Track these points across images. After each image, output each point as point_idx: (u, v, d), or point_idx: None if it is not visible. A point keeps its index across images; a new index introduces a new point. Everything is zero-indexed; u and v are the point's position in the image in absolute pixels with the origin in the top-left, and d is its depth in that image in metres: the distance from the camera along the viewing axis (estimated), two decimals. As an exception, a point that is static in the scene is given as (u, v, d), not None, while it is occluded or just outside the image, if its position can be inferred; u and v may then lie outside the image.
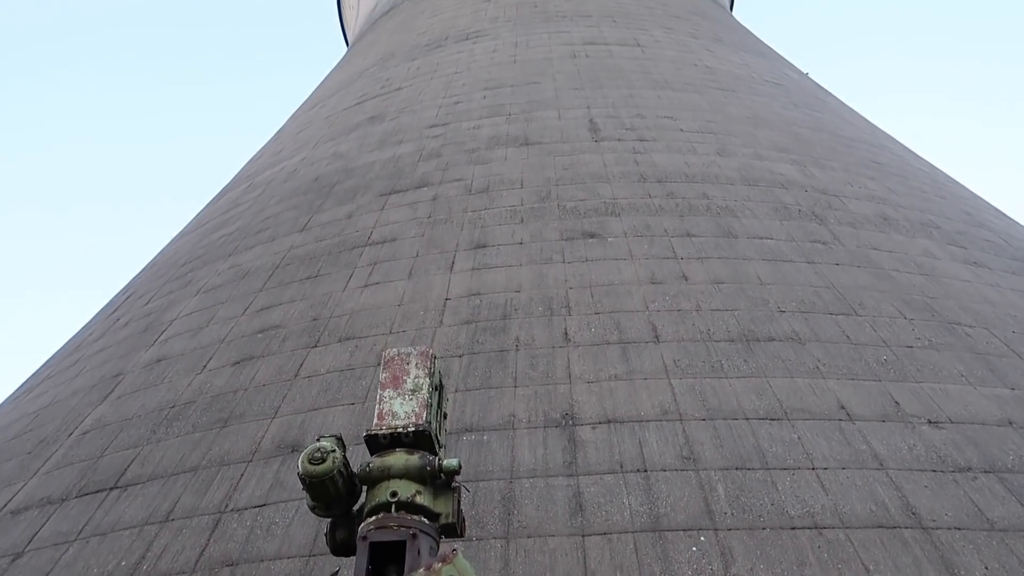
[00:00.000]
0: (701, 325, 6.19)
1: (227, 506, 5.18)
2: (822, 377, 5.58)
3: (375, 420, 2.70)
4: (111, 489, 5.73)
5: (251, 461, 5.53)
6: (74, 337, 9.95)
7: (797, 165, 9.41)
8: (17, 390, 9.19)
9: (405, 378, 2.60)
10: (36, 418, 7.46)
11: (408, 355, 2.72)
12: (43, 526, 5.63)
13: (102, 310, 10.49)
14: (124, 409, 6.76)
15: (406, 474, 2.38)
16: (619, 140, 9.74)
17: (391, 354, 2.81)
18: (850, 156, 10.35)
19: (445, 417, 2.95)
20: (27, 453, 6.77)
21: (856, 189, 9.04)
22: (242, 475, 5.43)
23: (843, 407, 5.29)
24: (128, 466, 5.92)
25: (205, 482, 5.47)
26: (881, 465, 4.80)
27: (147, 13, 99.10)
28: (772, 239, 7.52)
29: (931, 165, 12.12)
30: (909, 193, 9.46)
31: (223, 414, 6.14)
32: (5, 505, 6.09)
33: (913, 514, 4.45)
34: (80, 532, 5.40)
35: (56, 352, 9.76)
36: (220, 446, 5.78)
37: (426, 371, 2.66)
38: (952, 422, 5.21)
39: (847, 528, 4.37)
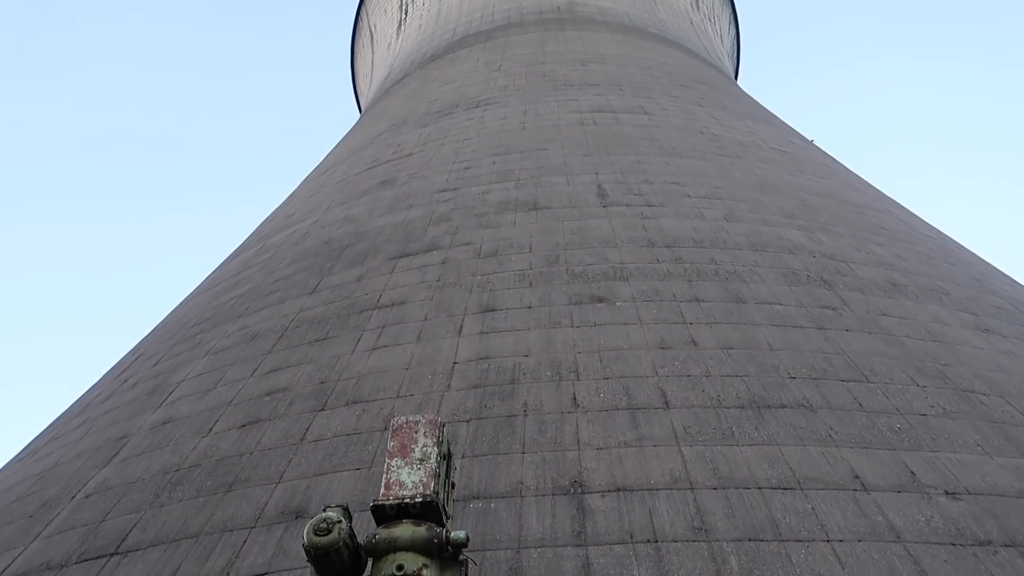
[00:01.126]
0: (711, 391, 6.14)
1: (229, 574, 5.08)
2: (835, 445, 5.50)
3: (382, 490, 2.66)
4: (112, 555, 5.64)
5: (254, 527, 5.45)
6: (81, 398, 9.94)
7: (804, 231, 9.47)
8: (21, 451, 9.13)
9: (413, 447, 2.58)
10: (39, 480, 7.39)
11: (416, 423, 2.70)
12: (41, 593, 5.51)
13: (111, 371, 10.50)
14: (128, 472, 6.70)
15: (413, 546, 2.33)
16: (627, 205, 9.85)
17: (399, 422, 2.79)
18: (857, 222, 10.41)
19: (453, 487, 2.91)
20: (28, 516, 6.68)
21: (864, 255, 9.06)
22: (245, 542, 5.33)
23: (857, 476, 5.19)
24: (130, 531, 5.83)
25: (207, 548, 5.38)
26: (898, 537, 4.68)
27: (159, 78, 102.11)
28: (781, 304, 7.51)
29: (938, 231, 12.17)
30: (917, 259, 9.47)
31: (227, 478, 6.07)
32: (4, 570, 5.98)
33: (933, 590, 4.32)
34: (78, 600, 5.28)
35: (63, 413, 9.73)
36: (223, 511, 5.70)
37: (434, 440, 2.64)
38: (970, 493, 5.10)
39: (865, 604, 4.24)
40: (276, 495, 5.73)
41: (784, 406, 5.93)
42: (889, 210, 11.98)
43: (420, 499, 2.48)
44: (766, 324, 7.14)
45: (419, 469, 2.54)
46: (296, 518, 5.41)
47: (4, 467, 8.95)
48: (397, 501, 2.50)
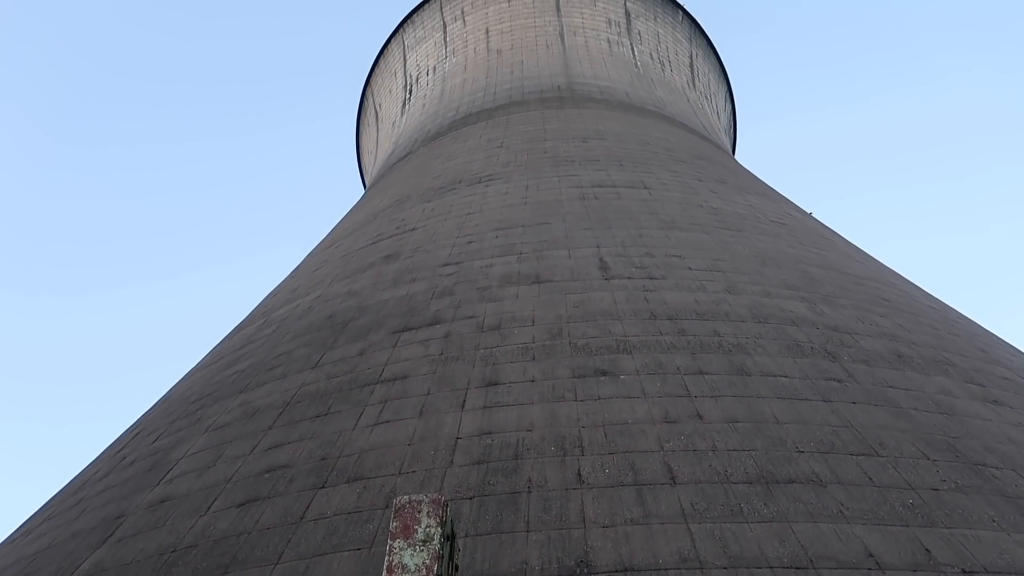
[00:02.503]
0: (718, 466, 6.04)
1: (223, 662, 4.89)
2: (847, 522, 5.37)
3: (384, 574, 2.60)
4: (102, 642, 5.45)
5: (251, 612, 5.28)
6: (78, 476, 9.78)
7: (807, 303, 9.49)
8: (15, 531, 8.94)
9: (416, 527, 2.53)
10: (32, 562, 7.21)
11: (419, 503, 2.65)
12: None
13: (109, 448, 10.37)
14: (123, 553, 6.54)
15: (415, 633, 2.26)
16: (629, 278, 9.90)
17: (402, 501, 2.74)
18: (859, 293, 10.44)
19: (457, 569, 2.84)
20: (19, 601, 6.49)
21: (867, 326, 9.05)
22: (241, 627, 5.16)
23: (871, 555, 5.05)
24: (122, 616, 5.65)
25: (201, 635, 5.20)
26: (917, 620, 4.52)
27: (168, 155, 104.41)
28: (786, 377, 7.46)
29: (940, 301, 12.19)
30: (920, 330, 9.46)
31: (224, 559, 5.92)
32: (-10, 659, 5.78)
33: (956, 676, 4.14)
34: None
35: (58, 491, 9.57)
36: (219, 595, 5.54)
37: (438, 520, 2.58)
38: (988, 572, 4.94)
39: None
40: (274, 577, 5.57)
41: (793, 481, 5.82)
42: (890, 281, 12.03)
43: (423, 584, 2.41)
44: (772, 397, 7.08)
45: (422, 551, 2.48)
46: (294, 601, 5.25)
47: (-4, 548, 8.74)
48: (399, 587, 2.43)
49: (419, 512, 2.59)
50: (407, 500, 2.71)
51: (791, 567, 4.97)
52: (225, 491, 6.94)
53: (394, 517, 2.66)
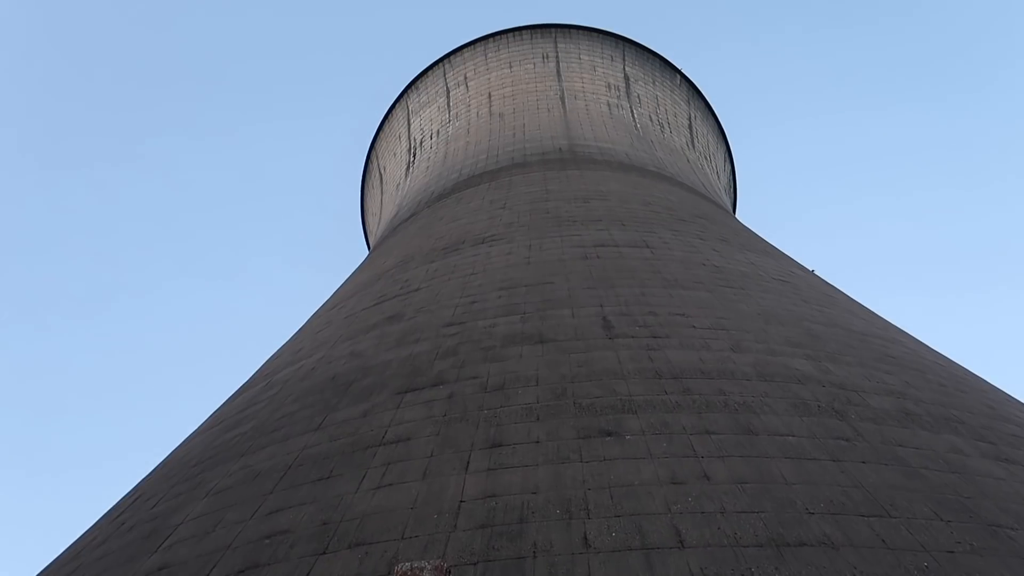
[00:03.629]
0: (727, 528, 5.92)
1: None
2: (861, 587, 5.23)
3: (385, 643, 2.52)
4: None
5: None
6: (76, 542, 9.61)
7: (812, 360, 9.44)
8: (9, 602, 8.73)
9: (418, 596, 2.47)
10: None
11: (421, 570, 2.60)
12: None
13: (107, 513, 10.21)
14: (118, 624, 6.37)
15: None
16: (633, 337, 9.89)
17: (403, 569, 2.69)
18: (864, 351, 10.39)
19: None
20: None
21: (874, 384, 8.98)
22: None
23: (887, 621, 4.90)
24: None
25: None
26: None
27: (172, 221, 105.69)
28: (794, 436, 7.38)
29: (946, 358, 12.12)
30: (928, 387, 9.38)
31: (222, 630, 5.77)
32: None
33: None
34: None
35: (55, 559, 9.38)
36: (216, 667, 5.37)
37: (440, 588, 2.52)
38: (1009, 639, 4.79)
39: None
40: (273, 648, 5.41)
41: (804, 544, 5.69)
42: (895, 338, 11.99)
43: (426, 653, 2.33)
44: (779, 457, 6.98)
45: (424, 620, 2.42)
46: (293, 674, 5.09)
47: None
48: (401, 654, 2.36)
49: (421, 580, 2.54)
50: (408, 568, 2.67)
51: (805, 635, 4.82)
52: (224, 558, 6.80)
53: (396, 585, 2.60)
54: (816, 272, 17.68)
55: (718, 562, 5.54)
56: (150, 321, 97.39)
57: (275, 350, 16.34)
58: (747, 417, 7.70)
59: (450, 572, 2.53)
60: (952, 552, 5.66)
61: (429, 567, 2.56)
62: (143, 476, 11.34)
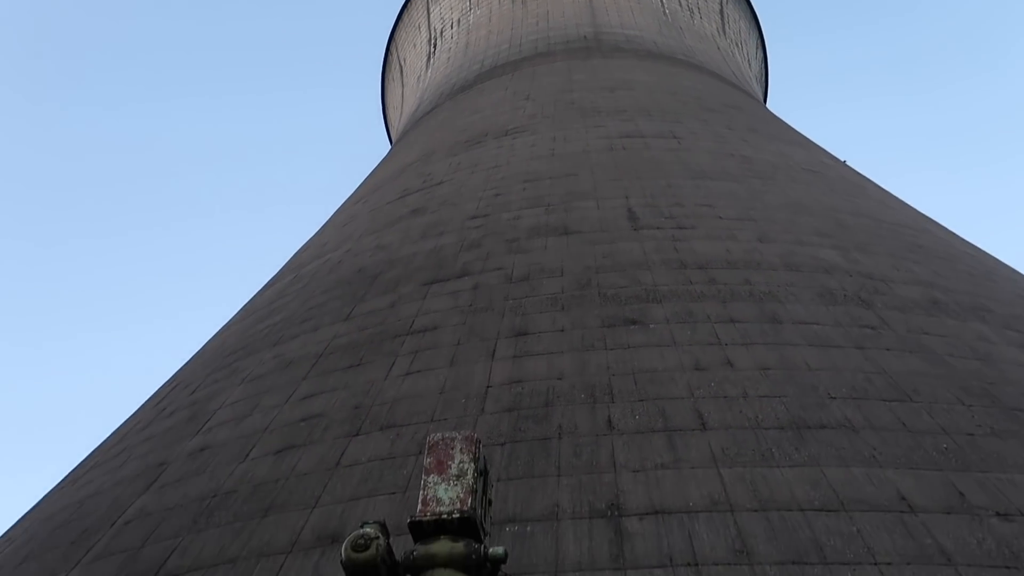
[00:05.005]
0: (749, 412, 6.03)
1: (265, 600, 5.07)
2: (879, 466, 5.36)
3: (419, 506, 2.64)
4: (150, 581, 5.67)
5: (291, 552, 5.44)
6: (121, 426, 10.08)
7: (840, 250, 9.34)
8: (64, 479, 9.27)
9: (450, 463, 2.56)
10: (80, 507, 7.49)
11: (452, 439, 2.68)
12: (81, 619, 5.56)
13: (149, 399, 10.65)
14: (167, 499, 6.76)
15: (451, 562, 2.31)
16: (658, 228, 9.81)
17: (435, 439, 2.77)
18: (893, 241, 10.25)
19: (490, 504, 2.88)
20: (70, 543, 6.76)
21: (902, 273, 8.90)
22: (281, 567, 5.33)
23: (904, 498, 5.05)
24: (168, 557, 5.86)
25: (244, 574, 5.38)
26: (949, 560, 4.53)
27: (192, 119, 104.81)
28: (818, 324, 7.39)
29: (978, 248, 11.92)
30: (957, 276, 9.28)
31: (264, 503, 6.09)
32: (45, 597, 6.05)
33: (988, 615, 4.16)
34: (117, 626, 5.31)
35: (103, 441, 9.88)
36: (260, 537, 5.71)
37: (471, 456, 2.62)
38: (1023, 514, 4.91)
39: (917, 630, 4.10)
40: (312, 520, 5.73)
41: (825, 427, 5.80)
42: (926, 228, 11.78)
43: (458, 515, 2.45)
44: (803, 344, 7.02)
45: (456, 485, 2.52)
46: (333, 543, 5.40)
47: (46, 495, 9.08)
48: (434, 517, 2.48)
49: (452, 448, 2.63)
50: (440, 437, 2.75)
51: (822, 510, 4.99)
52: (262, 439, 7.11)
53: (428, 453, 2.69)
54: (847, 163, 17.24)
55: (739, 443, 5.68)
56: (171, 219, 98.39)
57: (301, 244, 16.49)
58: (772, 306, 7.71)
59: (480, 442, 2.61)
60: (972, 435, 5.75)
61: (460, 436, 2.64)
62: (182, 364, 11.75)
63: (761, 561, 4.62)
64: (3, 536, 8.54)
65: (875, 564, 4.54)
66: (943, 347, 7.12)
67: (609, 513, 5.14)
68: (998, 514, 4.91)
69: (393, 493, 5.75)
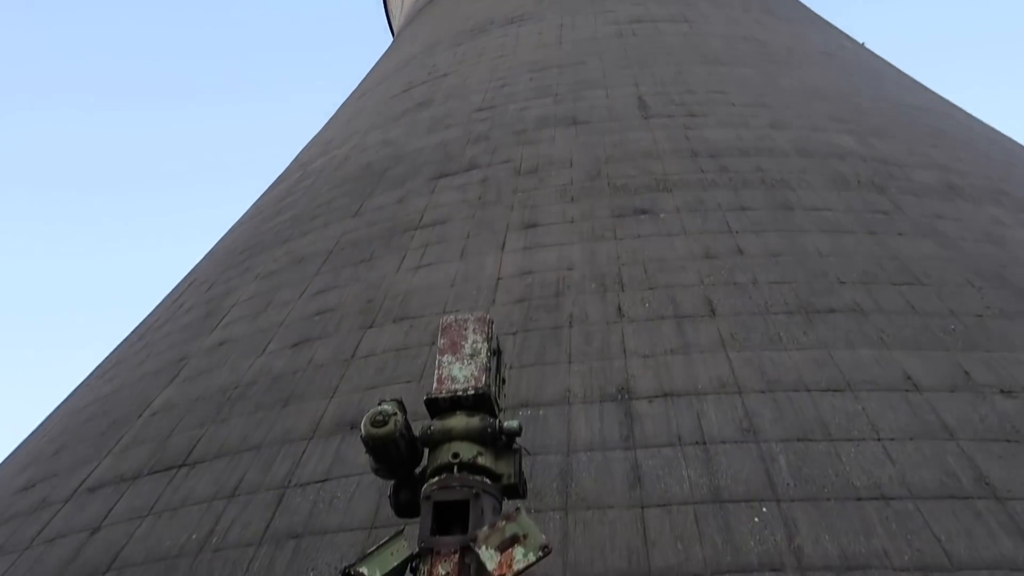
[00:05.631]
0: (758, 298, 6.07)
1: (290, 481, 5.30)
2: (886, 348, 5.43)
3: (435, 384, 2.70)
4: (180, 467, 5.92)
5: (312, 438, 5.65)
6: (141, 324, 10.29)
7: (855, 136, 9.14)
8: (90, 375, 9.56)
9: (463, 343, 2.61)
10: (107, 401, 7.75)
11: (466, 321, 2.72)
12: (117, 502, 5.85)
13: (167, 297, 10.82)
14: (190, 391, 6.97)
15: (467, 436, 2.38)
16: (669, 116, 9.60)
17: (449, 320, 2.81)
18: (911, 125, 10.01)
19: (504, 382, 2.94)
20: (100, 434, 7.03)
21: (918, 158, 8.73)
22: (304, 452, 5.55)
23: (909, 377, 5.14)
24: (195, 445, 6.11)
25: (268, 459, 5.61)
26: (951, 435, 4.65)
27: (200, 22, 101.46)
28: (830, 211, 7.32)
29: (998, 132, 11.64)
30: (975, 161, 9.11)
31: (283, 394, 6.28)
32: (82, 483, 6.35)
33: (986, 484, 4.31)
34: (152, 508, 5.60)
35: (125, 338, 10.11)
36: (282, 424, 5.92)
37: (484, 336, 2.66)
38: (1026, 391, 5.01)
39: (916, 499, 4.26)
40: (331, 409, 5.91)
41: (833, 311, 5.85)
42: (946, 112, 11.48)
43: (472, 392, 2.52)
44: (815, 231, 6.98)
45: (470, 364, 2.57)
46: (351, 429, 5.59)
47: (75, 390, 9.39)
48: (450, 394, 2.54)
49: (465, 329, 2.67)
50: (453, 319, 2.78)
51: (828, 390, 5.09)
52: (279, 333, 7.25)
53: (441, 335, 2.74)
54: (866, 46, 16.61)
55: (748, 328, 5.75)
56: (172, 122, 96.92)
57: (306, 142, 16.28)
58: (784, 193, 7.62)
59: (492, 322, 2.65)
60: (980, 316, 5.78)
61: (473, 317, 2.68)
62: (194, 264, 11.86)
63: (767, 439, 4.76)
64: (37, 429, 8.89)
65: (878, 440, 4.67)
66: (956, 231, 7.07)
67: (619, 397, 5.28)
68: (1002, 391, 5.00)
69: (408, 382, 5.89)
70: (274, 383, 6.49)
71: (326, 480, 5.19)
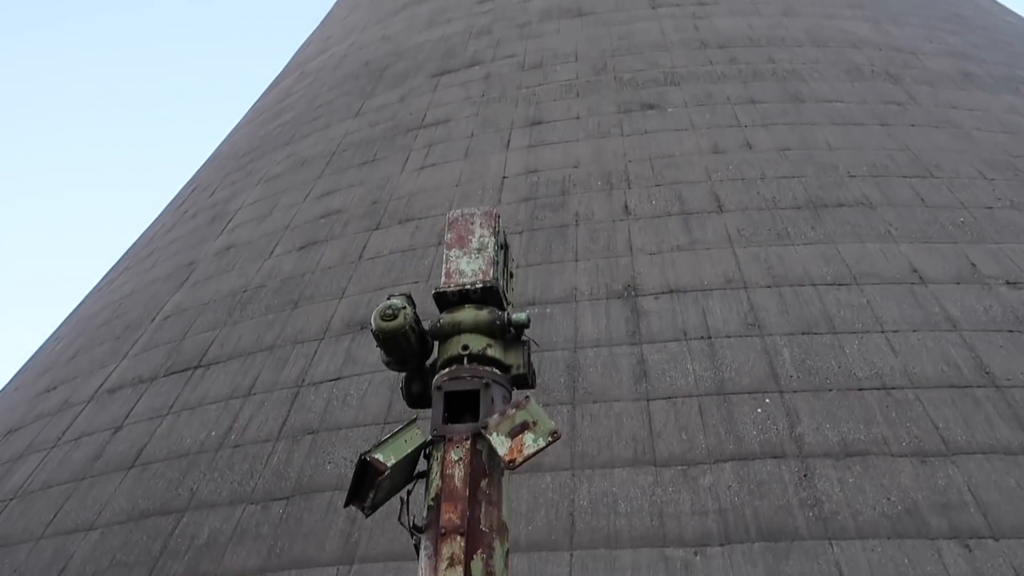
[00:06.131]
0: (766, 193, 6.02)
1: (304, 380, 5.43)
2: (894, 241, 5.41)
3: (443, 279, 2.70)
4: (196, 368, 6.06)
5: (323, 339, 5.75)
6: (147, 230, 10.31)
7: (871, 23, 8.81)
8: (100, 281, 9.65)
9: (470, 237, 2.59)
10: (120, 306, 7.85)
11: (472, 215, 2.69)
12: (137, 402, 6.02)
13: (171, 203, 10.79)
14: (200, 295, 7.04)
15: (476, 328, 2.39)
16: (678, 6, 9.24)
17: (455, 215, 2.78)
18: (930, 10, 9.62)
19: (511, 276, 2.94)
20: (115, 338, 7.17)
21: (935, 45, 8.44)
22: (315, 352, 5.65)
23: (915, 270, 5.14)
24: (209, 347, 6.22)
25: (281, 359, 5.73)
26: (954, 326, 4.70)
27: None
28: (842, 102, 7.15)
29: (1020, 17, 11.19)
30: (994, 47, 8.80)
31: (293, 296, 6.35)
32: (101, 384, 6.52)
33: (986, 373, 4.38)
34: (171, 407, 5.76)
35: (132, 245, 10.15)
36: (293, 326, 6.01)
37: (491, 230, 2.63)
38: (1032, 282, 5.02)
39: (916, 388, 4.34)
40: (340, 309, 5.98)
41: (842, 205, 5.80)
42: (966, -4, 11.00)
43: (481, 285, 2.50)
44: (826, 123, 6.83)
45: (478, 258, 2.55)
46: (361, 329, 5.67)
47: (86, 296, 9.51)
48: (458, 288, 2.53)
49: (472, 223, 2.64)
50: (460, 213, 2.75)
51: (833, 284, 5.11)
52: (285, 236, 7.26)
53: (448, 229, 2.71)
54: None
55: (755, 223, 5.72)
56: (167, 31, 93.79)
57: (303, 40, 15.80)
58: (795, 84, 7.42)
59: (499, 216, 2.62)
60: (991, 208, 5.73)
61: (479, 212, 2.65)
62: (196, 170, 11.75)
63: (772, 332, 4.82)
64: (53, 335, 9.06)
65: (882, 332, 4.72)
66: (971, 121, 6.91)
67: (625, 294, 5.31)
68: (1007, 282, 5.01)
69: (416, 282, 5.93)
70: (283, 285, 6.55)
71: (339, 379, 5.31)
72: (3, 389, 8.66)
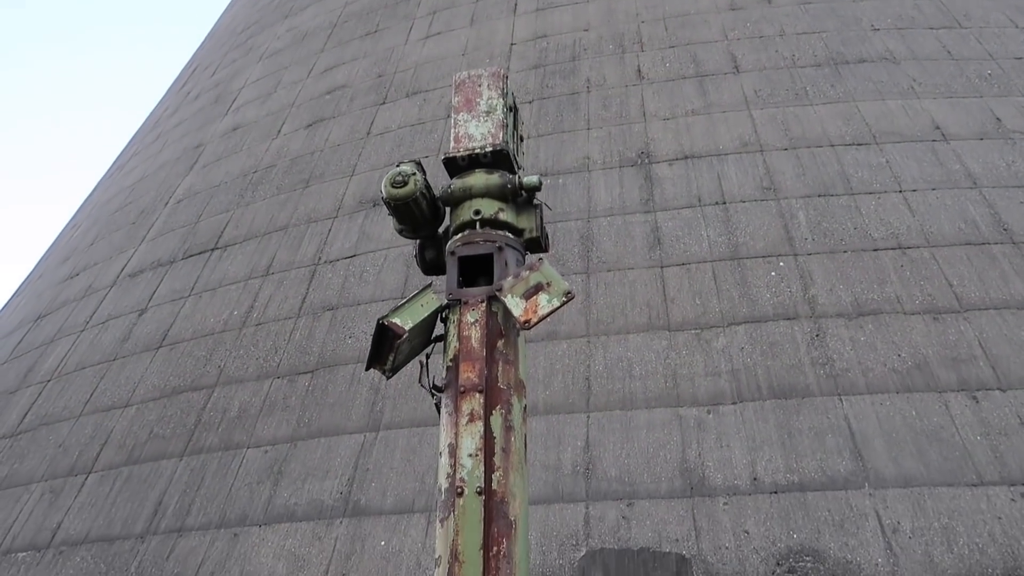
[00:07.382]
0: (785, 51, 5.78)
1: (320, 259, 5.48)
2: (916, 97, 5.23)
3: (452, 143, 2.65)
4: (213, 250, 6.12)
5: (336, 217, 5.75)
6: (151, 114, 10.15)
7: None
8: (110, 168, 9.61)
9: (478, 100, 2.52)
10: (132, 192, 7.85)
11: (480, 77, 2.61)
12: (159, 285, 6.13)
13: (172, 85, 10.56)
14: (210, 177, 7.01)
15: (487, 193, 2.36)
16: None
17: (462, 77, 2.69)
18: None
19: (522, 140, 2.88)
20: (131, 223, 7.21)
21: None
22: (330, 230, 5.67)
23: (938, 127, 5.00)
24: (224, 228, 6.26)
25: (297, 239, 5.76)
26: (975, 184, 4.61)
27: None
28: (869, -51, 6.71)
29: None
30: None
31: (304, 175, 6.30)
32: (122, 269, 6.62)
33: (1004, 230, 4.33)
34: (192, 288, 5.87)
35: (137, 130, 10.02)
36: (306, 205, 6.00)
37: (499, 92, 2.55)
38: (1058, 135, 4.87)
39: (932, 247, 4.32)
40: (351, 187, 5.95)
41: (864, 60, 5.57)
42: None
43: (490, 149, 2.45)
44: (850, -27, 6.45)
45: (487, 121, 2.49)
46: (373, 206, 5.66)
47: (97, 184, 9.50)
48: (468, 152, 2.49)
49: (480, 85, 2.56)
50: (467, 75, 2.67)
51: (852, 144, 4.99)
52: (291, 115, 7.13)
53: (455, 92, 2.64)
54: None
55: (772, 83, 5.53)
56: None
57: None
58: (819, -68, 6.95)
59: (507, 77, 2.53)
60: (1020, 59, 5.49)
61: (487, 73, 2.57)
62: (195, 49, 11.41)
63: (788, 195, 4.76)
64: (69, 223, 9.13)
65: (900, 191, 4.65)
66: (1005, -34, 6.49)
67: (639, 161, 5.23)
68: (1033, 136, 4.87)
69: (426, 156, 5.85)
70: (293, 165, 6.49)
71: (354, 256, 5.35)
72: (27, 276, 8.83)
